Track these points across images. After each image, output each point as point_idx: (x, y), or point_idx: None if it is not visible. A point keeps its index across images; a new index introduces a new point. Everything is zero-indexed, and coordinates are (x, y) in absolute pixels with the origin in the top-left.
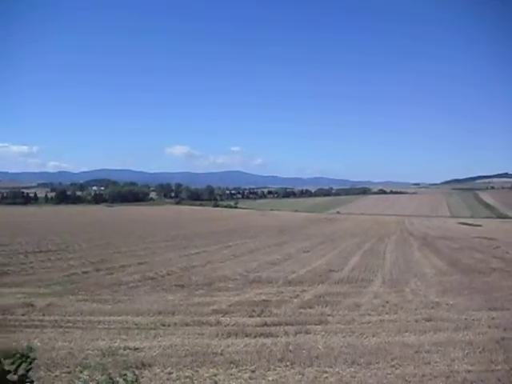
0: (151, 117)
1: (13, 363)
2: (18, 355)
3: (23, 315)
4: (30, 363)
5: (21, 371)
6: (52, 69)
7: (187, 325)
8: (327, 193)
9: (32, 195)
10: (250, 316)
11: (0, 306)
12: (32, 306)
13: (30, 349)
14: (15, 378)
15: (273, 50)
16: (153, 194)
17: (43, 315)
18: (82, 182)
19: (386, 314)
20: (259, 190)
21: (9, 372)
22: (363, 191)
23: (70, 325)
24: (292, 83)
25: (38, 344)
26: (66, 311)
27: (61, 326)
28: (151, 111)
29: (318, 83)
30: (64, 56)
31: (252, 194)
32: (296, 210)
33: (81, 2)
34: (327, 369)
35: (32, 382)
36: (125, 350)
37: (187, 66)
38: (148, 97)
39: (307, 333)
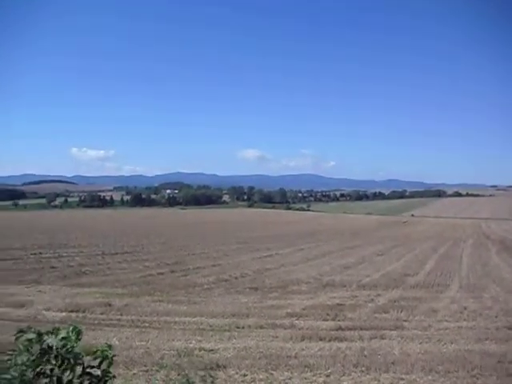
0: (224, 122)
1: (95, 359)
2: (99, 352)
3: (102, 314)
4: (111, 360)
5: (103, 367)
6: (129, 77)
7: (261, 327)
8: (401, 195)
9: (108, 198)
10: (324, 320)
11: (80, 305)
12: (110, 305)
13: (110, 346)
14: (98, 372)
15: (350, 51)
16: (225, 197)
17: (121, 315)
18: (156, 185)
19: (464, 320)
20: (331, 193)
21: (92, 367)
22: (438, 194)
23: (147, 325)
24: (368, 84)
25: (117, 342)
26: (143, 311)
27: (137, 326)
28: (224, 116)
29: (395, 85)
30: (141, 64)
31: (324, 197)
32: (369, 213)
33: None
34: (404, 376)
35: (114, 376)
36: (200, 350)
37: (260, 72)
38: (220, 103)
39: (382, 338)
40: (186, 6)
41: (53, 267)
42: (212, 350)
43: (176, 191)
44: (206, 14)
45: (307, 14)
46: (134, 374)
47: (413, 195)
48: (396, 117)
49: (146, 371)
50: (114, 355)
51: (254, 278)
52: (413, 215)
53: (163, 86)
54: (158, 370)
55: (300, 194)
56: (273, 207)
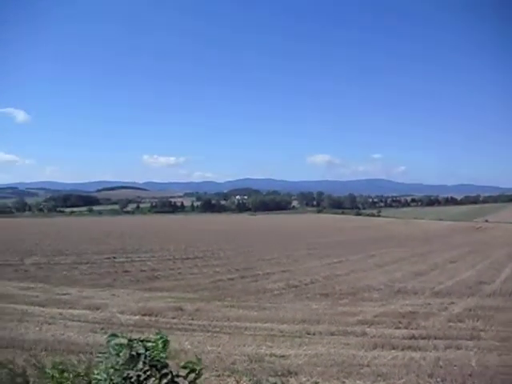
0: (293, 128)
1: (183, 368)
2: (189, 364)
3: (173, 318)
4: (199, 372)
5: (190, 378)
6: (200, 83)
7: (332, 334)
8: (474, 200)
9: (179, 204)
10: (396, 328)
11: (153, 309)
12: (181, 310)
13: (199, 360)
14: (186, 383)
15: (414, 48)
16: (295, 203)
17: (192, 319)
18: (225, 191)
19: None
20: (402, 198)
21: (178, 376)
22: None
23: (218, 330)
24: (436, 87)
25: (189, 347)
26: (214, 316)
27: (209, 331)
28: (292, 123)
29: (465, 87)
30: (213, 70)
31: (395, 203)
32: (441, 219)
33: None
34: None
35: None
36: (271, 356)
37: (329, 79)
38: (290, 110)
39: (458, 348)
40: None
41: (126, 271)
42: (283, 356)
43: (245, 197)
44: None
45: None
46: (206, 378)
47: (487, 200)
48: (470, 120)
49: (218, 376)
50: (201, 368)
51: (324, 285)
52: (487, 221)
53: (233, 92)
54: (229, 375)
55: (370, 200)
56: (342, 213)
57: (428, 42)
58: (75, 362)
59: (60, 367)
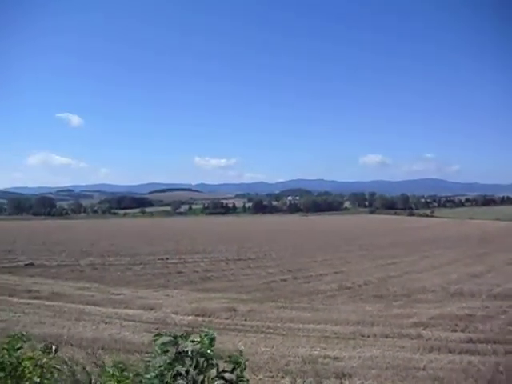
0: (345, 127)
1: (228, 364)
2: (233, 358)
3: (227, 319)
4: (244, 365)
5: (236, 372)
6: (250, 85)
7: (387, 336)
8: None
9: (231, 205)
10: (452, 331)
11: (206, 310)
12: (235, 310)
13: (241, 352)
14: (233, 377)
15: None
16: (347, 203)
17: (245, 320)
18: (277, 192)
19: None
20: (456, 198)
21: (225, 372)
22: None
23: (271, 331)
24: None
25: (242, 347)
26: (267, 317)
27: (262, 332)
28: (343, 124)
29: None
30: (263, 73)
31: (449, 202)
32: (497, 219)
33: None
34: None
35: (247, 381)
36: (325, 358)
37: (380, 74)
38: (341, 112)
39: None
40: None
41: (179, 272)
42: (337, 358)
43: (297, 198)
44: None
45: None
46: (260, 379)
47: None
48: None
49: (272, 377)
50: (246, 360)
51: (377, 286)
52: None
53: (285, 95)
54: (283, 377)
55: (423, 200)
56: (395, 213)
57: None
58: (133, 362)
59: (120, 366)
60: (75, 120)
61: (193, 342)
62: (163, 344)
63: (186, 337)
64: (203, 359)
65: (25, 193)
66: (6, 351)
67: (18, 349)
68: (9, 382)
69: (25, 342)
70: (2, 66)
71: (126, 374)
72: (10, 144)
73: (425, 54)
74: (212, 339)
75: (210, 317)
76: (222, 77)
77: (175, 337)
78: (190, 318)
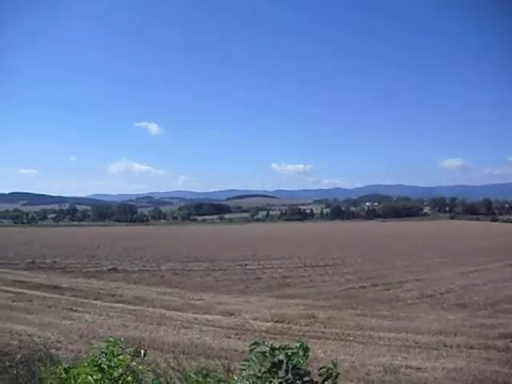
0: (424, 131)
1: (320, 375)
2: (324, 369)
3: (306, 326)
4: (336, 377)
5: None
6: (330, 87)
7: (472, 348)
8: None
9: (308, 211)
10: None
11: (285, 316)
12: (314, 317)
13: (335, 365)
14: None
15: None
16: (426, 209)
17: (325, 327)
18: (355, 197)
19: None
20: None
21: (315, 382)
22: None
23: (351, 339)
24: None
25: (322, 355)
26: (346, 325)
27: (342, 339)
28: (423, 127)
29: None
30: (343, 76)
31: None
32: None
33: None
34: None
35: None
36: (406, 368)
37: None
38: (421, 112)
39: None
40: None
41: (258, 278)
42: (419, 369)
43: (375, 203)
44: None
45: None
46: None
47: None
48: None
49: None
50: (338, 373)
51: (460, 294)
52: None
53: (361, 99)
54: None
55: (507, 205)
56: (477, 219)
57: None
58: (215, 367)
59: (204, 372)
60: (154, 129)
61: (287, 352)
62: (260, 353)
63: (282, 348)
64: (298, 371)
65: (106, 200)
66: (104, 355)
67: (116, 353)
68: (106, 382)
69: (123, 348)
70: (84, 83)
71: (208, 379)
72: (93, 153)
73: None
74: (306, 350)
75: (289, 323)
76: (302, 81)
77: (272, 348)
78: (269, 324)
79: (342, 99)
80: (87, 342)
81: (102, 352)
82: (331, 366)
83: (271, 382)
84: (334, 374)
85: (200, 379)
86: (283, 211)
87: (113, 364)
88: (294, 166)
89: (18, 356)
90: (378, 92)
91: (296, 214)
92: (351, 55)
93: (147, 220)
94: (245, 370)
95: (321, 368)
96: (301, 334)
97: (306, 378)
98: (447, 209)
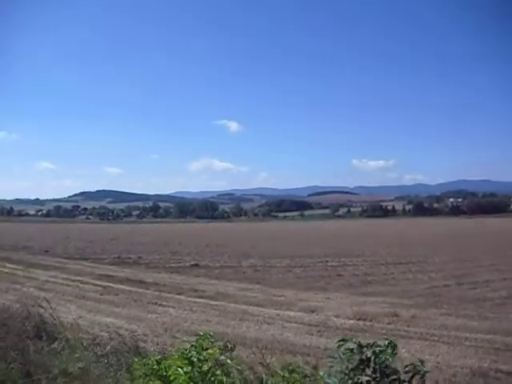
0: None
1: (406, 372)
2: (412, 366)
3: (389, 324)
4: (423, 375)
5: (414, 382)
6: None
7: None
8: None
9: (390, 208)
10: None
11: (367, 314)
12: (397, 316)
13: (422, 362)
14: None
15: None
16: None
17: (408, 326)
18: (438, 193)
19: None
20: None
21: (403, 382)
22: None
23: (435, 338)
24: None
25: (405, 354)
26: (431, 324)
27: (426, 339)
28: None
29: None
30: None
31: None
32: None
33: None
34: None
35: None
36: (496, 372)
37: None
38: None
39: None
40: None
41: (339, 275)
42: (510, 374)
43: (459, 200)
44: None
45: None
46: None
47: None
48: None
49: None
50: (426, 371)
51: None
52: None
53: (444, 91)
54: None
55: None
56: None
57: None
58: (301, 364)
59: (290, 368)
60: (233, 126)
61: (375, 350)
62: (347, 350)
63: (370, 345)
64: (386, 369)
65: (188, 197)
66: (193, 348)
67: (205, 348)
68: (196, 374)
69: (212, 342)
70: (164, 85)
71: (295, 375)
72: (174, 152)
73: None
74: (394, 348)
75: (371, 321)
76: (379, 76)
77: (360, 345)
78: (352, 321)
79: (425, 97)
80: (172, 335)
81: (192, 345)
82: (418, 363)
83: (358, 379)
84: (422, 371)
85: (286, 375)
86: (364, 208)
87: (202, 357)
88: (376, 162)
89: (108, 347)
90: (464, 85)
91: (377, 210)
92: (428, 56)
93: (228, 217)
94: (332, 366)
95: (407, 365)
96: (383, 332)
97: (393, 377)
98: None
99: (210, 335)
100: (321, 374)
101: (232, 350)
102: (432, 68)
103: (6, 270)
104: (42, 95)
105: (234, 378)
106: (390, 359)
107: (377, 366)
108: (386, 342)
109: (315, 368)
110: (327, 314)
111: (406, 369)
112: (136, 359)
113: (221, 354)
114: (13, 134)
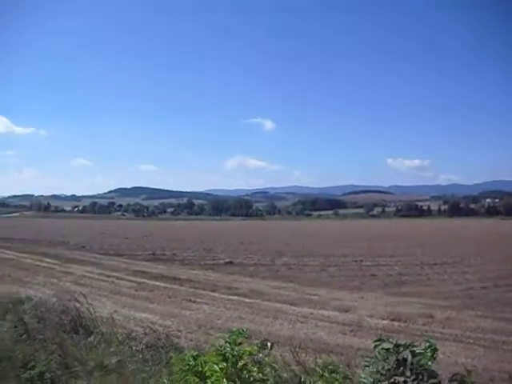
0: None
1: (451, 381)
2: (458, 376)
3: (424, 325)
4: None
5: None
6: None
7: None
8: None
9: (425, 208)
10: None
11: (402, 314)
12: (431, 317)
13: (469, 372)
14: None
15: None
16: None
17: (443, 328)
18: (475, 194)
19: None
20: None
21: None
22: None
23: (471, 341)
24: None
25: (441, 356)
26: (466, 326)
27: (461, 341)
28: None
29: None
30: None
31: None
32: None
33: None
34: None
35: None
36: None
37: None
38: None
39: None
40: None
41: (373, 275)
42: None
43: (496, 200)
44: None
45: None
46: None
47: None
48: None
49: None
50: (473, 382)
51: None
52: None
53: (480, 89)
54: None
55: None
56: None
57: None
58: (338, 364)
59: (330, 367)
60: (268, 124)
61: (414, 351)
62: (384, 350)
63: (407, 346)
64: (424, 372)
65: (222, 195)
66: (228, 344)
67: (239, 343)
68: (231, 370)
69: (246, 338)
70: (197, 83)
71: (334, 375)
72: (209, 150)
73: None
74: (434, 351)
75: (405, 322)
76: (414, 78)
77: (397, 345)
78: (386, 322)
79: (461, 97)
80: (205, 332)
81: (227, 342)
82: (465, 373)
83: (395, 379)
84: (468, 382)
85: (326, 374)
86: (399, 207)
87: (236, 353)
88: (411, 161)
89: (144, 341)
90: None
91: (412, 210)
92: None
93: (262, 215)
94: (368, 366)
95: (454, 374)
96: (418, 333)
97: (432, 380)
98: None
99: (243, 330)
100: (362, 376)
101: (271, 347)
102: (470, 67)
103: (44, 265)
104: (71, 89)
105: (269, 376)
106: (430, 362)
107: (414, 368)
108: (427, 345)
109: (350, 366)
110: (361, 314)
111: (453, 377)
112: (173, 355)
113: (258, 352)
114: (41, 131)
